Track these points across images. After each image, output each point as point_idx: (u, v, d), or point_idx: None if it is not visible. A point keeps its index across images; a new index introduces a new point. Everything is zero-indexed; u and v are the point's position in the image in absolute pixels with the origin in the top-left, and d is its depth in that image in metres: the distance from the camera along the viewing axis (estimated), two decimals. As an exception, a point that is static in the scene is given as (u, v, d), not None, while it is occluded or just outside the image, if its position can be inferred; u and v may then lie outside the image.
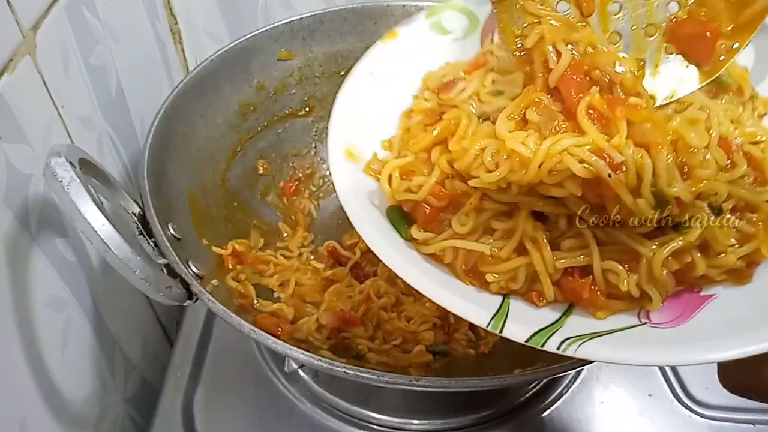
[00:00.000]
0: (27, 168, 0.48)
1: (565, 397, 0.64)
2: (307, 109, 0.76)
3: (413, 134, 0.46)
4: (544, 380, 0.65)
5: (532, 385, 0.64)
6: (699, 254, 0.38)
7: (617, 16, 0.44)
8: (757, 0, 0.41)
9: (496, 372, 0.44)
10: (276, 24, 0.71)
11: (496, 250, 0.40)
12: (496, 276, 0.40)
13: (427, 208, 0.42)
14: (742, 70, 0.46)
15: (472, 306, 0.38)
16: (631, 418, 0.63)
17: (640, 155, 0.37)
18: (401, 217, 0.43)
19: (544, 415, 0.63)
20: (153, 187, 0.52)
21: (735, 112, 0.44)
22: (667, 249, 0.37)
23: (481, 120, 0.43)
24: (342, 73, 0.76)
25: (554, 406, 0.63)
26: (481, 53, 0.49)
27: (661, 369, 0.67)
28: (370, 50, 0.51)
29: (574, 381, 0.65)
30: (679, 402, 0.64)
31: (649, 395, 0.65)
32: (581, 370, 0.66)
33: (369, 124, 0.48)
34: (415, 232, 0.42)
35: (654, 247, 0.38)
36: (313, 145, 0.77)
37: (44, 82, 0.51)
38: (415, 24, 0.52)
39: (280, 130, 0.74)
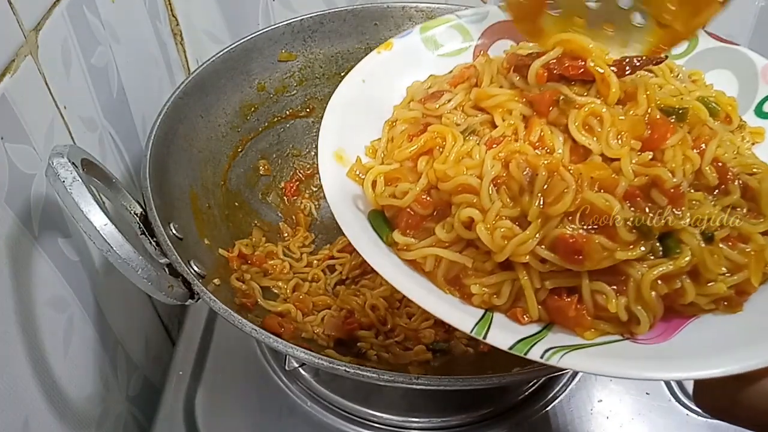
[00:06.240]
0: (29, 168, 0.48)
1: (563, 395, 0.64)
2: (307, 109, 0.76)
3: (397, 143, 0.46)
4: (543, 378, 0.65)
5: (531, 384, 0.64)
6: (689, 280, 0.38)
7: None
8: None
9: (495, 370, 0.44)
10: (276, 25, 0.71)
11: (480, 263, 0.39)
12: (483, 289, 0.39)
13: (411, 215, 0.41)
14: (730, 99, 0.47)
15: (457, 312, 0.38)
16: (629, 416, 0.63)
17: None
18: (383, 221, 0.42)
19: (542, 413, 0.63)
20: (155, 187, 0.53)
21: (734, 141, 0.44)
22: (657, 271, 0.37)
23: (466, 134, 0.43)
24: (342, 74, 0.76)
25: (552, 404, 0.63)
26: (465, 67, 0.49)
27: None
28: (365, 59, 0.52)
29: (573, 379, 0.65)
30: (676, 401, 0.64)
31: (647, 393, 0.65)
32: (580, 368, 0.66)
33: (357, 130, 0.48)
34: (397, 236, 0.41)
35: (644, 268, 0.37)
36: (314, 146, 0.77)
37: (46, 82, 0.51)
38: (410, 37, 0.53)
39: (280, 131, 0.75)
